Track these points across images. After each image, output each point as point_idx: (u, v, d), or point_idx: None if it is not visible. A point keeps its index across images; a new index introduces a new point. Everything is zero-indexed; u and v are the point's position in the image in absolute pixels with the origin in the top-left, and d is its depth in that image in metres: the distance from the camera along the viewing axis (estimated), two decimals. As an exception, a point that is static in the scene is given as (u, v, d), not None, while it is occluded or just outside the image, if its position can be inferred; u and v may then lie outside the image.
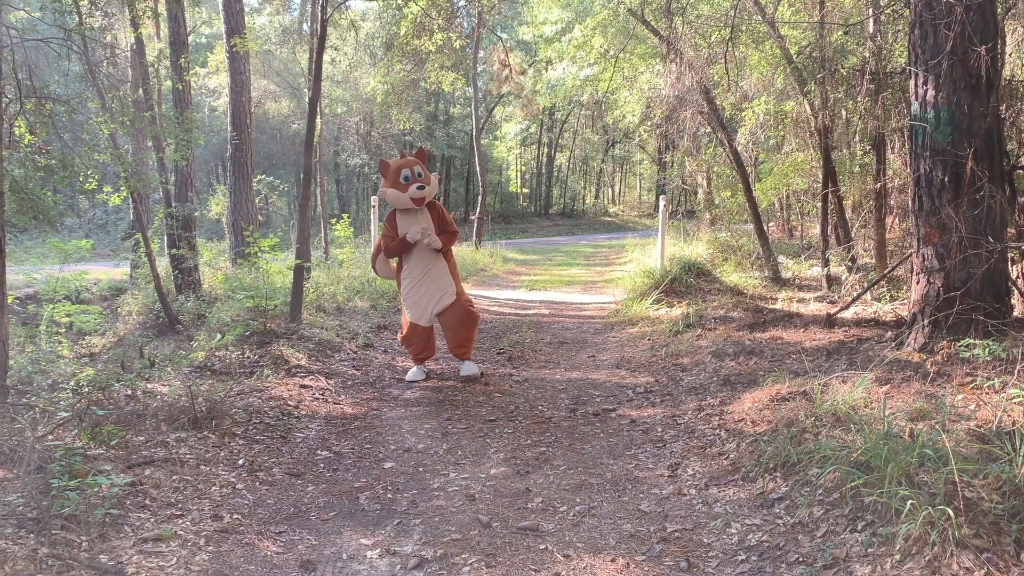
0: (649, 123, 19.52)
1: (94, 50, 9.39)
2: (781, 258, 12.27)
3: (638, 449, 5.10)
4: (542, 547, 3.69)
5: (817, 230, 11.44)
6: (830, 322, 7.52)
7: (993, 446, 3.64)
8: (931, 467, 3.50)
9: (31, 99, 6.64)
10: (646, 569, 3.45)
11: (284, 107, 28.79)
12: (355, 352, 7.88)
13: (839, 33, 9.33)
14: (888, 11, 8.46)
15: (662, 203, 13.17)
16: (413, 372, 7.08)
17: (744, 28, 10.74)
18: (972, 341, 5.15)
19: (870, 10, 8.60)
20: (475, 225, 21.95)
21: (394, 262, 7.20)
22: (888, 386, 4.93)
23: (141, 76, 10.65)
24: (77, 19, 8.05)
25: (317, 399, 6.28)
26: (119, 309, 10.66)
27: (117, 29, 13.66)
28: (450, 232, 7.05)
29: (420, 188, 6.71)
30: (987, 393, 4.55)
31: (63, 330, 7.86)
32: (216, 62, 20.74)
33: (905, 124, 6.93)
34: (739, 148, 12.56)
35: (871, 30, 8.64)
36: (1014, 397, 4.30)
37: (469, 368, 7.01)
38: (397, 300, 10.42)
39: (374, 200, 13.58)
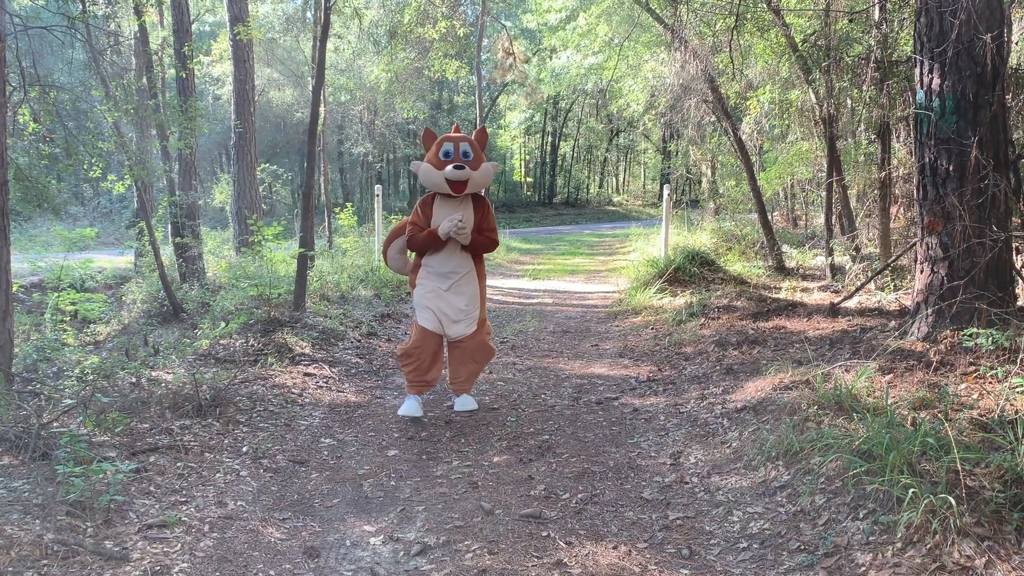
0: (653, 112, 19.46)
1: (98, 38, 9.37)
2: (785, 247, 12.26)
3: (641, 437, 5.11)
4: (544, 534, 3.71)
5: (821, 219, 11.42)
6: (834, 311, 7.51)
7: (995, 435, 3.65)
8: (933, 456, 3.51)
9: (35, 87, 6.64)
10: (648, 556, 3.47)
11: (288, 95, 28.72)
12: (359, 340, 7.90)
13: (844, 21, 9.29)
14: (894, -1, 8.42)
15: (666, 192, 13.14)
16: (410, 405, 5.49)
17: (749, 16, 10.68)
18: (975, 330, 5.14)
19: (876, -2, 8.55)
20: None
21: (412, 255, 5.82)
22: (891, 375, 4.93)
23: (145, 64, 10.64)
24: (80, 7, 8.04)
25: (321, 387, 6.30)
26: (124, 297, 10.69)
27: (121, 17, 13.61)
28: (488, 238, 5.55)
29: (459, 168, 5.24)
30: (990, 382, 4.55)
31: (68, 318, 7.89)
32: (220, 50, 20.70)
33: (910, 113, 6.90)
34: (743, 137, 12.52)
35: (877, 18, 8.60)
36: (1017, 386, 4.30)
37: (467, 403, 5.60)
38: (401, 289, 10.43)
39: (378, 189, 13.59)
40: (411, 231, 5.51)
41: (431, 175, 5.34)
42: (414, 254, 5.70)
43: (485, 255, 5.77)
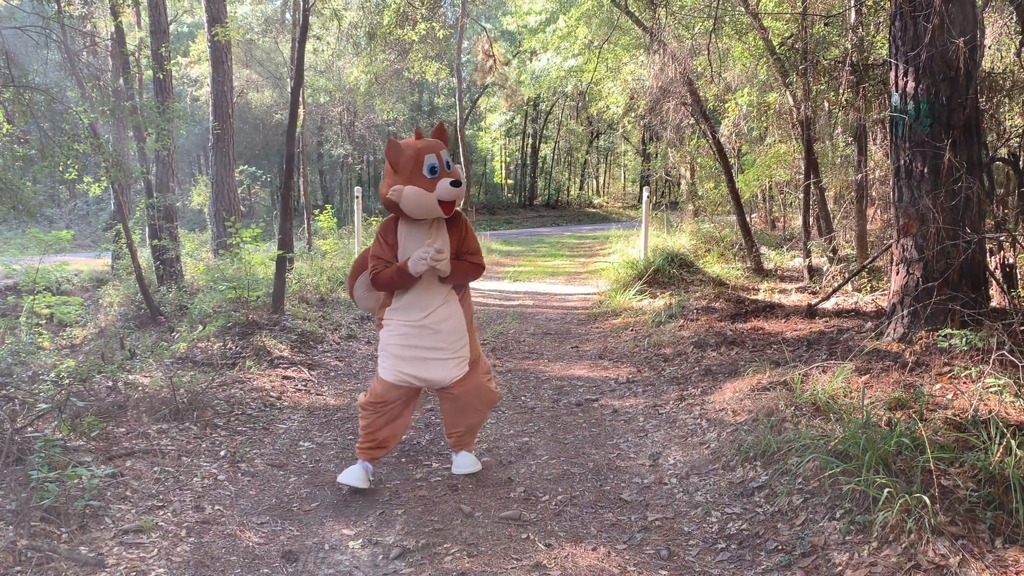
0: (633, 114, 19.56)
1: (73, 38, 9.29)
2: (763, 249, 12.34)
3: (620, 439, 5.13)
4: (524, 536, 3.71)
5: (799, 221, 11.51)
6: (811, 313, 7.57)
7: (969, 435, 3.69)
8: (908, 455, 3.54)
9: (9, 87, 6.57)
10: (627, 558, 3.48)
11: (267, 97, 28.58)
12: (338, 343, 7.87)
13: (821, 24, 9.37)
14: (869, 2, 8.50)
15: (646, 194, 13.20)
16: (354, 472, 4.30)
17: (727, 19, 10.77)
18: (950, 331, 5.20)
19: (852, 1, 8.63)
20: (460, 216, 21.82)
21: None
22: (867, 376, 4.97)
23: (121, 65, 10.55)
24: (55, 7, 7.96)
25: (299, 390, 6.27)
26: (100, 300, 10.57)
27: (97, 17, 13.50)
28: (471, 263, 4.35)
29: (456, 185, 4.13)
30: (964, 382, 4.61)
31: (44, 321, 7.79)
32: (198, 51, 20.55)
33: (886, 116, 6.97)
34: (722, 139, 12.61)
35: (853, 21, 8.68)
36: (990, 386, 4.35)
37: (467, 463, 4.54)
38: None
39: (357, 191, 13.51)
40: (375, 267, 4.30)
41: (422, 200, 4.10)
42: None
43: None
